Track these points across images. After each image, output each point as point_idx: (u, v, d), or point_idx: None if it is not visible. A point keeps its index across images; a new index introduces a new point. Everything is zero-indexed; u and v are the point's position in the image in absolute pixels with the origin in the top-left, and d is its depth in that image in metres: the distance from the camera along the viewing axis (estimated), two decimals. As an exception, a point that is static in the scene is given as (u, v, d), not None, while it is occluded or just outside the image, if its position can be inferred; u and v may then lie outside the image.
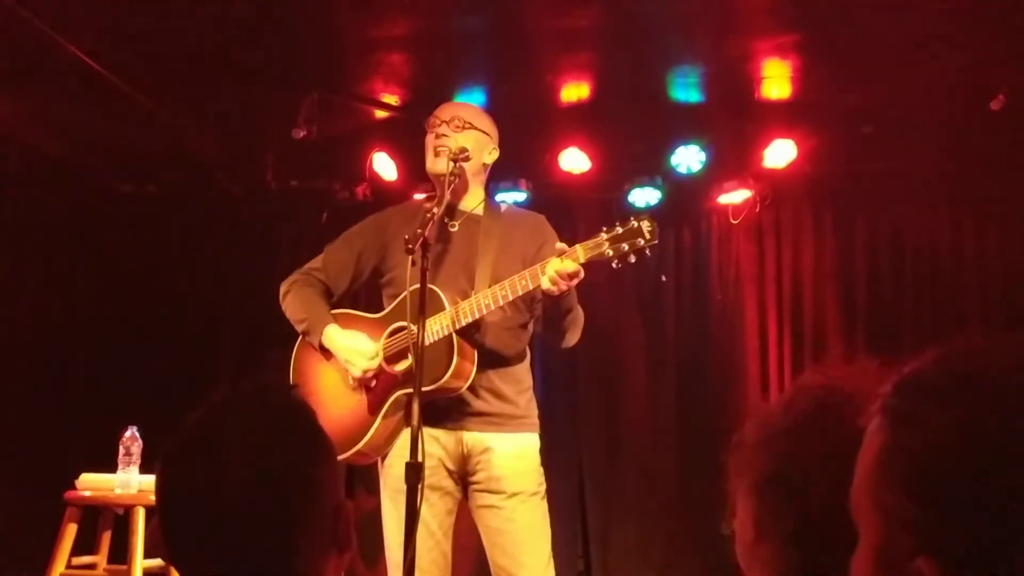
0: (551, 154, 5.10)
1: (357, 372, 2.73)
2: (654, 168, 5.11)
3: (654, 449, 5.17)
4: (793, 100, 4.75)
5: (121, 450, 3.51)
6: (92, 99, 4.49)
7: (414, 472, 2.28)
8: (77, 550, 3.63)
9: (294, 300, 2.88)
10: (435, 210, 2.57)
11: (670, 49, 4.43)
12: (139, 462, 3.51)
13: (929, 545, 0.71)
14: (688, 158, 5.05)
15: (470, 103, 3.12)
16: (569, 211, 4.97)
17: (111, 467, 3.56)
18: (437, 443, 2.72)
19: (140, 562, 3.42)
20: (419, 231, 2.45)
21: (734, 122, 4.91)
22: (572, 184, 5.16)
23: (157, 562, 3.56)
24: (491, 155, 2.92)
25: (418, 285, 2.56)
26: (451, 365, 2.60)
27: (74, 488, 3.58)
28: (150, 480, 3.50)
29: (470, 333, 2.69)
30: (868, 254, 5.11)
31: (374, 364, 2.73)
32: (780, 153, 4.94)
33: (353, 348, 2.74)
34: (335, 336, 2.77)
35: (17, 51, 4.06)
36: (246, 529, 1.13)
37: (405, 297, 2.66)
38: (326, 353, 2.80)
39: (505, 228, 2.84)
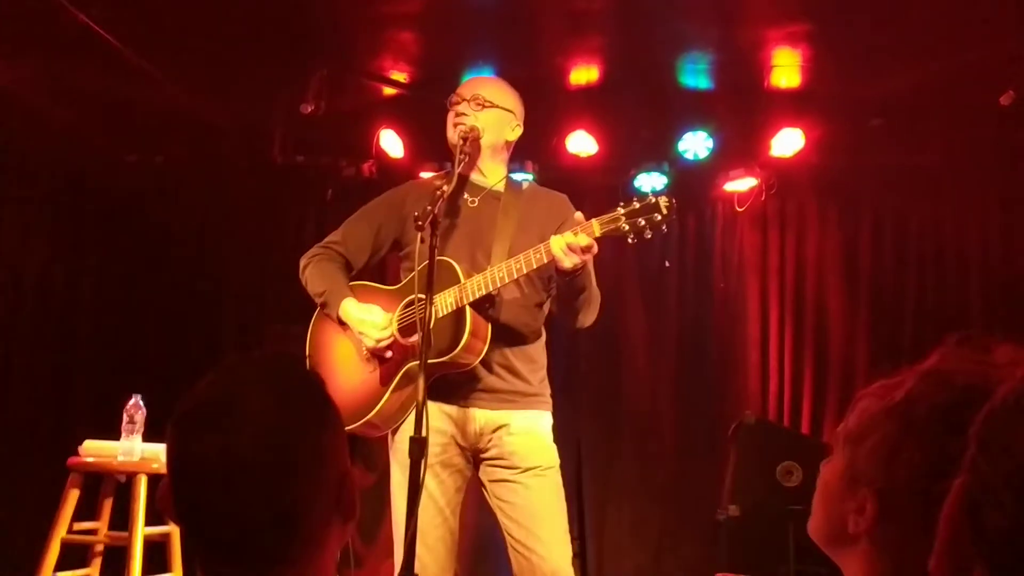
0: (559, 137, 5.10)
1: (370, 343, 2.72)
2: (661, 154, 5.11)
3: (652, 433, 5.20)
4: (802, 90, 4.75)
5: (124, 418, 3.53)
6: (101, 69, 4.49)
7: (418, 447, 2.28)
8: (79, 516, 3.65)
9: (313, 273, 2.87)
10: (445, 188, 2.55)
11: (680, 35, 4.42)
12: (142, 430, 3.53)
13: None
14: (695, 145, 5.05)
15: (494, 78, 3.07)
16: (575, 194, 4.87)
17: (114, 435, 3.58)
18: (449, 419, 2.71)
19: (141, 529, 3.44)
20: (428, 208, 2.45)
21: (742, 110, 4.91)
22: (579, 167, 5.16)
23: (157, 529, 3.59)
24: (514, 132, 2.87)
25: (440, 258, 2.55)
26: (462, 339, 2.58)
27: (77, 455, 3.60)
28: (153, 448, 3.53)
29: (484, 308, 2.67)
30: (872, 246, 5.12)
31: (385, 334, 2.71)
32: (788, 142, 4.95)
33: (366, 320, 2.73)
34: (351, 308, 2.76)
35: (25, 18, 4.06)
36: (253, 493, 1.15)
37: (421, 269, 2.61)
38: (343, 325, 2.79)
39: (525, 205, 2.82)
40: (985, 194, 4.95)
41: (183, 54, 4.49)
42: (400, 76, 4.87)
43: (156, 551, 3.67)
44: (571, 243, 2.45)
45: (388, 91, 4.99)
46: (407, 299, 2.72)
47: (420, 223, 2.43)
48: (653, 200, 2.45)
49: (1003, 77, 4.31)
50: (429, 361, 2.40)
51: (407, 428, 2.66)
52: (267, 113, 5.15)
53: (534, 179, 5.05)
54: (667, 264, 5.29)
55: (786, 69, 4.59)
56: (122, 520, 3.61)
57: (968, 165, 4.86)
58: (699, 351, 5.23)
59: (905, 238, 5.08)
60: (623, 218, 2.46)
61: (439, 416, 2.67)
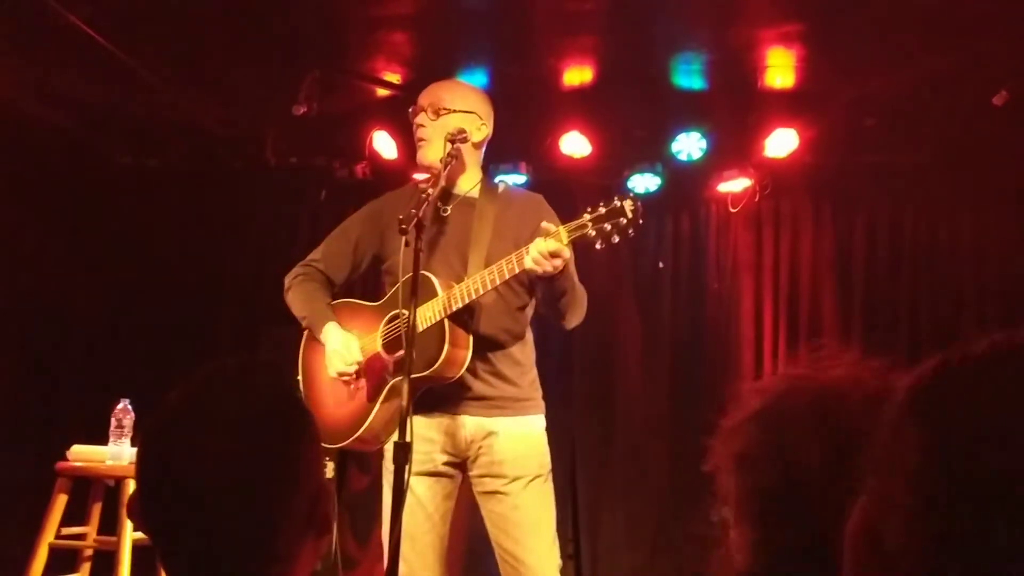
0: (552, 137, 5.09)
1: (332, 373, 2.77)
2: (655, 154, 5.09)
3: (646, 435, 5.18)
4: (796, 90, 4.73)
5: (113, 422, 3.51)
6: (94, 71, 4.47)
7: (402, 452, 2.28)
8: (67, 521, 3.64)
9: (296, 296, 2.90)
10: (430, 191, 2.55)
11: (674, 35, 4.41)
12: (131, 435, 3.52)
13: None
14: (689, 145, 5.04)
15: (454, 80, 3.00)
16: (569, 195, 4.91)
17: (103, 439, 3.57)
18: (439, 428, 2.72)
19: (129, 534, 3.43)
20: (413, 211, 2.43)
21: (736, 110, 4.89)
22: (572, 168, 5.14)
23: (147, 534, 3.58)
24: (479, 132, 2.81)
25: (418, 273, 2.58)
26: (442, 352, 2.58)
27: (65, 459, 3.59)
28: (141, 453, 3.51)
29: (463, 318, 2.66)
30: (866, 246, 5.10)
31: (350, 370, 2.75)
32: (781, 142, 4.93)
33: (335, 351, 2.77)
34: (330, 336, 2.80)
35: (19, 21, 4.04)
36: (224, 508, 1.13)
37: (403, 283, 2.60)
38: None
39: (500, 210, 2.78)
40: (979, 194, 4.93)
41: (175, 55, 4.47)
42: (393, 77, 4.85)
43: (145, 556, 3.64)
44: (541, 250, 2.44)
45: (381, 92, 4.97)
46: (390, 314, 2.73)
47: (404, 227, 2.41)
48: (619, 204, 2.42)
49: (996, 77, 4.29)
50: (412, 376, 2.41)
51: (397, 438, 2.66)
52: (260, 115, 5.14)
53: (527, 180, 5.04)
54: (661, 265, 5.28)
55: (780, 69, 4.58)
56: (111, 525, 3.59)
57: (962, 165, 4.84)
58: (693, 352, 5.21)
59: (899, 238, 5.06)
60: (590, 224, 2.44)
61: (429, 425, 2.68)
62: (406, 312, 2.50)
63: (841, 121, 4.81)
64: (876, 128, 4.78)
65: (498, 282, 2.56)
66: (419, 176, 5.01)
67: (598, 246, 2.46)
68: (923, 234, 5.03)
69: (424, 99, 2.80)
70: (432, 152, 2.73)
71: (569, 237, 2.46)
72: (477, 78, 4.83)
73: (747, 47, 4.41)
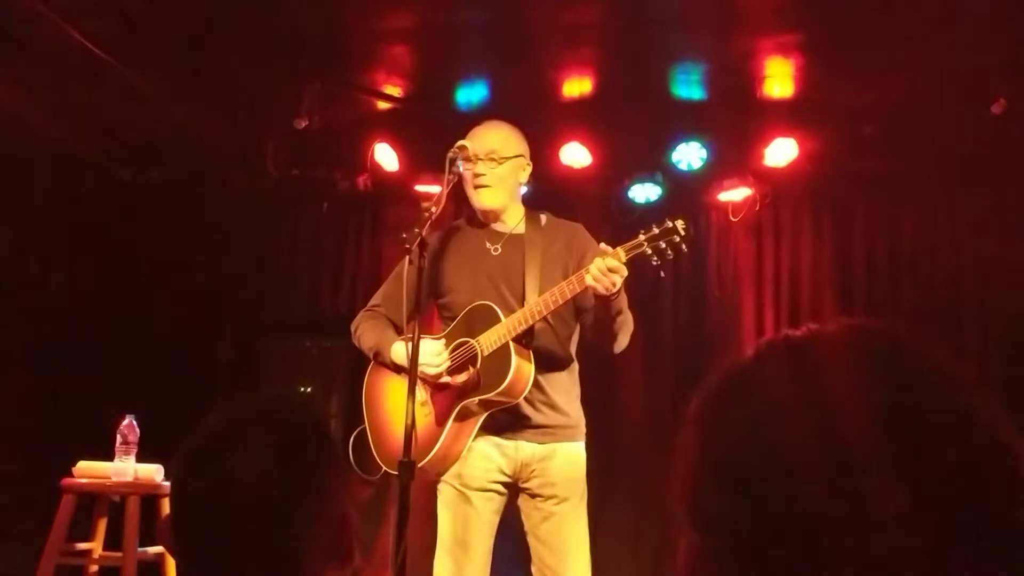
0: (552, 148, 5.09)
1: (430, 371, 2.81)
2: (655, 164, 5.10)
3: (649, 444, 5.18)
4: (795, 99, 4.75)
5: (118, 438, 3.53)
6: (94, 84, 4.49)
7: (406, 471, 2.32)
8: (73, 537, 3.65)
9: (363, 332, 3.03)
10: (433, 209, 2.61)
11: (673, 45, 4.43)
12: (136, 450, 3.53)
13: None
14: (689, 155, 5.05)
15: (498, 125, 3.06)
16: (569, 205, 4.94)
17: (108, 455, 3.58)
18: (498, 450, 2.87)
19: (135, 550, 3.44)
20: (416, 230, 2.49)
21: (736, 120, 4.90)
22: (572, 178, 5.15)
23: (151, 550, 3.59)
24: (526, 172, 3.04)
25: (480, 303, 2.80)
26: (510, 368, 2.71)
27: (71, 475, 3.60)
28: (146, 468, 3.53)
29: (523, 341, 2.82)
30: (866, 255, 5.10)
31: (442, 358, 2.83)
32: (781, 152, 4.94)
33: (423, 352, 2.82)
34: (401, 350, 2.89)
35: (19, 34, 4.06)
36: (250, 531, 1.18)
37: (464, 315, 2.86)
38: (398, 369, 2.91)
39: (546, 242, 2.96)
40: (978, 202, 4.94)
41: (176, 69, 4.49)
42: (394, 90, 4.87)
43: (150, 572, 3.66)
44: (601, 268, 2.59)
45: (382, 104, 4.99)
46: (455, 343, 2.87)
47: (408, 245, 2.47)
48: (671, 224, 2.61)
49: (994, 86, 4.31)
50: (483, 396, 2.70)
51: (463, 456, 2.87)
52: (261, 127, 5.15)
53: (528, 191, 5.03)
54: (662, 274, 5.26)
55: (778, 78, 4.59)
56: (116, 541, 3.60)
57: (961, 173, 4.85)
58: (694, 361, 5.21)
59: (899, 246, 5.06)
60: (645, 243, 2.62)
61: (489, 445, 2.87)
62: (469, 340, 2.76)
63: (840, 130, 4.83)
64: (875, 137, 4.78)
65: (560, 302, 2.71)
66: (422, 188, 5.07)
67: (654, 262, 2.63)
68: (923, 243, 5.03)
69: (480, 147, 2.92)
70: (493, 197, 2.93)
71: (627, 255, 2.61)
72: (477, 90, 4.85)
73: (746, 57, 4.43)
